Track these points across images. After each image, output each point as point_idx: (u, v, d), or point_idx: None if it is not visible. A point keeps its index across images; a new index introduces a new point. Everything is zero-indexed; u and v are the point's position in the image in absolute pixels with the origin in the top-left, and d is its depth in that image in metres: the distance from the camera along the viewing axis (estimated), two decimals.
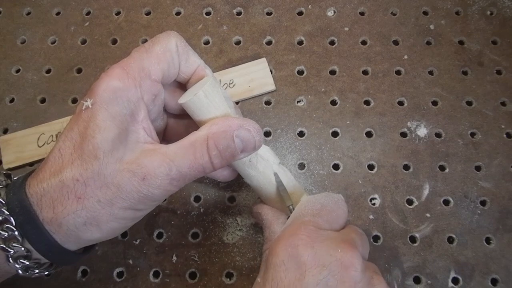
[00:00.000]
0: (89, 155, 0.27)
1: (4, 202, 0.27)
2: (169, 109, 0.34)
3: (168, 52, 0.31)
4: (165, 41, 0.31)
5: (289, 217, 0.34)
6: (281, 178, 0.35)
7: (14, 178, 0.30)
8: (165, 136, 0.36)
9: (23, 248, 0.27)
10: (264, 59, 0.45)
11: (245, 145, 0.30)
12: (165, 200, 0.41)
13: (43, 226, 0.27)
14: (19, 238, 0.27)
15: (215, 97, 0.31)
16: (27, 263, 0.28)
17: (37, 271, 0.29)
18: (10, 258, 0.27)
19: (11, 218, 0.27)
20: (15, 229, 0.27)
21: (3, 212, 0.27)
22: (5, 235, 0.27)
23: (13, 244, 0.27)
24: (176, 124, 0.36)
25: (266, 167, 0.35)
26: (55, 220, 0.27)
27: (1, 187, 0.28)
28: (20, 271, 0.28)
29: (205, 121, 0.31)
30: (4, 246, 0.27)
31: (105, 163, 0.27)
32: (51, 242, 0.27)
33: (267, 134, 0.43)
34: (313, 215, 0.30)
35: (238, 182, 0.41)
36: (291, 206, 0.34)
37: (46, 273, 0.30)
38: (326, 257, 0.27)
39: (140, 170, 0.27)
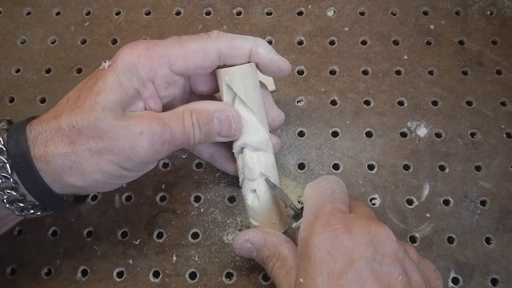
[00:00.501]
0: (89, 107, 0.29)
1: (2, 143, 0.29)
2: (199, 90, 0.36)
3: (201, 53, 0.32)
4: (204, 41, 0.32)
5: (295, 214, 0.34)
6: (274, 181, 0.35)
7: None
8: None
9: (11, 180, 0.29)
10: None
11: (222, 127, 0.33)
12: (165, 200, 0.41)
13: (32, 161, 0.29)
14: (9, 169, 0.29)
15: (236, 82, 0.33)
16: (22, 205, 0.30)
17: (22, 205, 0.30)
18: (5, 202, 0.29)
19: (8, 166, 0.29)
20: (6, 162, 0.29)
21: (1, 159, 0.29)
22: (0, 182, 0.29)
23: (2, 174, 0.29)
24: None
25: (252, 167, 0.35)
26: (44, 157, 0.29)
27: (2, 129, 0.30)
28: (6, 202, 0.30)
29: (220, 95, 0.35)
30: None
31: (101, 118, 0.29)
32: (37, 177, 0.29)
33: None
34: (331, 201, 0.31)
35: (238, 182, 0.41)
36: (292, 204, 0.34)
37: (32, 211, 0.31)
38: (365, 237, 0.28)
39: (139, 126, 0.30)
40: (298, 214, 0.34)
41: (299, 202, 0.40)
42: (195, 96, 0.36)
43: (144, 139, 0.30)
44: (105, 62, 0.31)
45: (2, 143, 0.29)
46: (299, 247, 0.30)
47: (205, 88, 0.35)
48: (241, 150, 0.35)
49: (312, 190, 0.33)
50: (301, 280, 0.28)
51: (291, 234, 0.38)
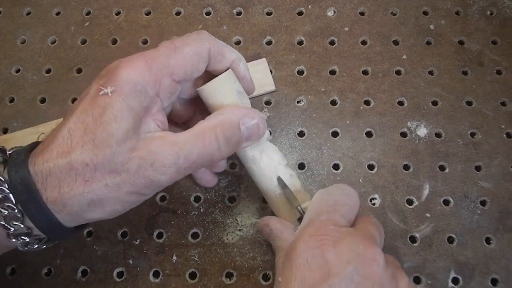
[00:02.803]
0: (102, 141, 0.27)
1: (3, 180, 0.27)
2: (181, 94, 0.35)
3: (196, 57, 0.31)
4: (197, 44, 0.31)
5: (300, 217, 0.34)
6: (285, 181, 0.35)
7: (9, 152, 0.29)
8: (170, 118, 0.36)
9: (23, 226, 0.28)
10: (264, 59, 0.45)
11: (250, 132, 0.31)
12: (165, 200, 0.41)
13: (46, 205, 0.27)
14: (19, 216, 0.27)
15: (226, 88, 0.33)
16: (27, 239, 0.29)
17: (36, 246, 0.30)
18: (10, 235, 0.28)
19: (11, 196, 0.27)
20: (15, 208, 0.27)
21: (4, 190, 0.27)
22: (5, 213, 0.27)
23: (14, 222, 0.27)
24: (184, 108, 0.36)
25: (268, 165, 0.35)
26: (59, 200, 0.27)
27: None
28: (19, 247, 0.29)
29: (214, 107, 0.33)
30: (5, 224, 0.27)
31: (117, 152, 0.27)
32: (53, 220, 0.28)
33: None
34: (328, 212, 0.31)
35: (238, 182, 0.41)
36: (299, 207, 0.35)
37: (44, 247, 0.30)
38: (349, 254, 0.28)
39: (150, 157, 0.28)
40: (301, 218, 0.34)
41: None
42: (179, 99, 0.36)
43: (156, 169, 0.28)
44: (106, 89, 0.28)
45: (7, 186, 0.27)
46: (286, 249, 0.31)
47: (186, 95, 0.35)
48: (257, 154, 0.35)
49: (317, 197, 0.33)
50: (279, 279, 0.29)
51: None
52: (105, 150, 0.27)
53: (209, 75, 0.34)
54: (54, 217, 0.28)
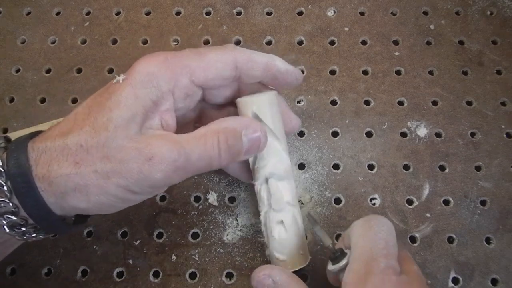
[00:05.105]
0: (101, 125, 0.27)
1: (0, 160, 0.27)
2: (213, 99, 0.34)
3: (220, 63, 0.31)
4: (222, 52, 0.31)
5: (335, 257, 0.31)
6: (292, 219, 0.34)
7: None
8: (201, 124, 0.35)
9: (10, 204, 0.27)
10: None
11: (251, 144, 0.31)
12: (165, 200, 0.41)
13: (33, 181, 0.27)
14: (7, 193, 0.27)
15: (264, 110, 0.33)
16: (14, 218, 0.28)
17: (23, 229, 0.28)
18: None
19: (3, 172, 0.27)
20: (4, 184, 0.27)
21: None
22: None
23: (1, 199, 0.27)
24: (217, 114, 0.36)
25: (278, 201, 0.34)
26: (47, 178, 0.27)
27: (0, 148, 0.29)
28: (6, 228, 0.28)
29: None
30: None
31: (112, 137, 0.27)
32: (39, 199, 0.27)
33: None
34: (385, 256, 0.28)
35: (238, 182, 0.41)
36: (330, 245, 0.32)
37: (34, 235, 0.29)
38: None
39: (149, 150, 0.28)
40: (337, 257, 0.31)
41: (299, 201, 0.40)
42: (206, 104, 0.35)
43: (153, 165, 0.27)
44: (119, 76, 0.29)
45: (1, 163, 0.27)
46: None
47: (219, 99, 0.35)
48: (266, 180, 0.34)
49: (363, 236, 0.30)
50: None
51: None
52: (101, 134, 0.27)
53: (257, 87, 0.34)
54: (40, 195, 0.27)
